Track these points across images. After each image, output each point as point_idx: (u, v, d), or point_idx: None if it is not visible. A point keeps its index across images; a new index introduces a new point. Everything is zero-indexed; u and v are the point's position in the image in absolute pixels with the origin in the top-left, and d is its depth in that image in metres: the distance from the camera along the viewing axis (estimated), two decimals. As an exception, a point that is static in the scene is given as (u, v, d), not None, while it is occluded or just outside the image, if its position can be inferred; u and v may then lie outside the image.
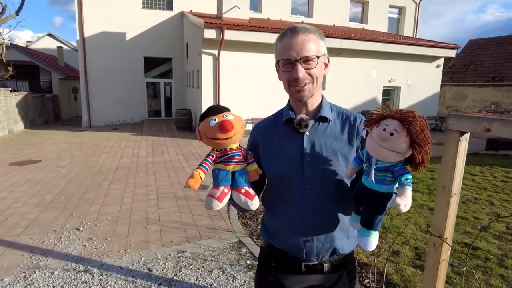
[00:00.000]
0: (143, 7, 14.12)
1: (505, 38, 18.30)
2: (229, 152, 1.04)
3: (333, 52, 11.65)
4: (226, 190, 1.03)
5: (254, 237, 3.76)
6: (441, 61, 14.25)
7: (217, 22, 9.83)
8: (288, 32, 1.12)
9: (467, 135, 1.41)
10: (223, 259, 3.27)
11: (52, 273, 2.98)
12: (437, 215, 1.66)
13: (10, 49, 16.43)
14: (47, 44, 24.12)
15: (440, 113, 16.44)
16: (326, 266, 1.20)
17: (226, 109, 1.07)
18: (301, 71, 1.08)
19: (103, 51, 13.75)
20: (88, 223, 4.09)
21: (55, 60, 20.90)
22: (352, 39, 11.44)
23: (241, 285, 2.85)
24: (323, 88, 12.12)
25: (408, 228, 3.95)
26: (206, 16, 11.31)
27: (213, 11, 12.91)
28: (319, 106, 1.21)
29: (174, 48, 14.82)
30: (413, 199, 4.76)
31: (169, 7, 14.41)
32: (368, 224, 1.04)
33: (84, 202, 4.87)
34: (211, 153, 1.04)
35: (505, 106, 16.04)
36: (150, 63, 14.91)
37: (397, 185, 0.95)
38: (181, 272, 3.02)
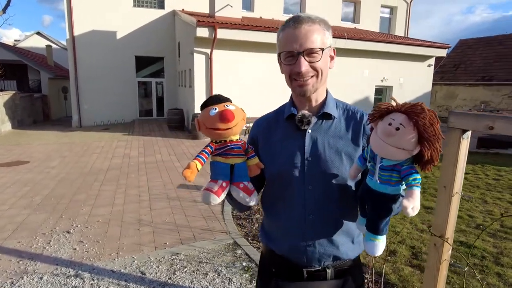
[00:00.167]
0: (134, 6, 13.94)
1: (494, 38, 18.59)
2: (229, 144, 0.98)
3: (326, 51, 11.63)
4: (224, 184, 0.98)
5: (249, 238, 3.70)
6: (432, 61, 14.37)
7: (210, 20, 9.75)
8: (290, 22, 1.04)
9: (469, 133, 1.37)
10: (218, 261, 3.20)
11: (41, 278, 2.88)
12: (438, 215, 1.62)
13: (-3, 48, 16.07)
14: (36, 42, 23.67)
15: (431, 112, 16.54)
16: (329, 272, 1.12)
17: (227, 99, 1.01)
18: (304, 65, 1.01)
19: (93, 50, 13.54)
20: (79, 226, 3.99)
21: (44, 59, 20.53)
22: (345, 38, 11.46)
23: (237, 288, 2.79)
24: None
25: (403, 227, 3.93)
26: (198, 15, 11.21)
27: (205, 10, 12.80)
28: (323, 102, 1.13)
29: (166, 47, 14.67)
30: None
31: (161, 5, 14.26)
32: (373, 228, 0.97)
33: (75, 203, 4.75)
34: (210, 145, 0.99)
35: (494, 105, 16.27)
36: (142, 62, 14.73)
37: (404, 186, 0.87)
38: (175, 275, 2.95)
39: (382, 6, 17.00)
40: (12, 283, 2.81)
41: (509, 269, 3.13)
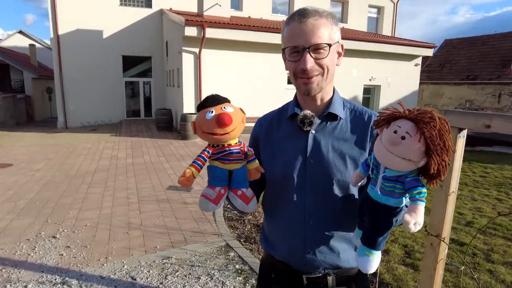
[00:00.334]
0: (121, 4, 13.70)
1: (478, 38, 18.99)
2: (227, 148, 0.92)
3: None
4: (222, 191, 0.92)
5: (242, 240, 3.65)
6: (419, 60, 14.58)
7: (198, 20, 9.66)
8: (296, 15, 0.97)
9: (465, 131, 1.36)
10: (210, 264, 3.14)
11: (25, 286, 2.76)
12: (434, 214, 1.61)
13: (-22, 47, 15.59)
14: (18, 42, 23.02)
15: (418, 111, 16.79)
16: (330, 279, 1.07)
17: (225, 100, 0.95)
18: (310, 61, 0.95)
19: (79, 49, 13.24)
20: (65, 230, 3.86)
21: (27, 58, 20.00)
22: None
23: (230, 291, 2.74)
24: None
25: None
26: (187, 14, 11.10)
27: (192, 9, 12.68)
28: (329, 101, 1.07)
29: (153, 47, 14.47)
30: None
31: (148, 4, 14.06)
32: (369, 242, 0.89)
33: (61, 207, 4.60)
34: (207, 149, 0.92)
35: (479, 103, 16.62)
36: (129, 62, 14.49)
37: (408, 199, 0.81)
38: (167, 280, 2.87)
39: (370, 6, 17.15)
40: (-5, 292, 2.69)
41: (500, 265, 3.17)
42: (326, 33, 0.96)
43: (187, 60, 10.18)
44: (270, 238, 1.17)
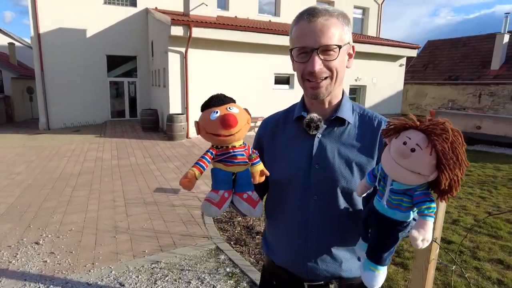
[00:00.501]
0: (105, 3, 13.42)
1: (459, 39, 19.48)
2: (231, 150, 0.89)
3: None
4: (226, 195, 0.89)
5: (232, 242, 3.61)
6: (403, 61, 14.85)
7: (185, 19, 9.55)
8: (305, 14, 0.92)
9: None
10: (201, 268, 3.09)
11: (8, 295, 2.66)
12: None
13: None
14: (-3, 40, 22.30)
15: (403, 111, 17.14)
16: (332, 287, 1.04)
17: (230, 100, 0.92)
18: (318, 63, 0.90)
19: (61, 48, 12.90)
20: (49, 236, 3.74)
21: (6, 57, 19.36)
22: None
23: (221, 295, 2.70)
24: (291, 87, 12.20)
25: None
26: (173, 13, 10.96)
27: (178, 8, 12.54)
28: (338, 105, 1.02)
29: (139, 46, 14.24)
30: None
31: (133, 3, 13.82)
32: (374, 257, 0.85)
33: (44, 211, 4.46)
34: (210, 150, 0.89)
35: (460, 103, 17.05)
36: (113, 62, 14.20)
37: (415, 213, 0.77)
38: (157, 285, 2.81)
39: (355, 7, 17.33)
40: (-25, 302, 2.58)
41: (486, 263, 3.24)
42: (337, 33, 0.91)
43: (173, 60, 10.07)
44: (271, 242, 1.14)
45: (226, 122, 0.84)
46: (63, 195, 5.16)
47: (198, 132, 0.89)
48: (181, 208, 4.63)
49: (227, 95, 0.94)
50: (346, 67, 0.99)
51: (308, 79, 0.95)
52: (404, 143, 0.70)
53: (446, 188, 0.69)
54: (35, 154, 8.33)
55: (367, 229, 0.89)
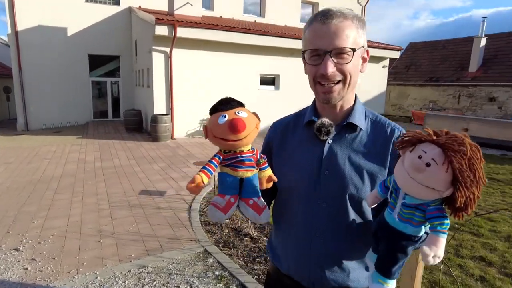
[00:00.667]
0: (86, 1, 13.09)
1: (439, 42, 20.04)
2: (239, 155, 0.88)
3: (287, 52, 11.79)
4: (232, 200, 0.88)
5: (220, 245, 3.57)
6: (386, 62, 15.13)
7: (169, 19, 9.44)
8: (319, 16, 0.89)
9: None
10: (189, 271, 3.05)
11: (-13, 305, 2.55)
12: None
13: None
14: (-29, 38, 21.44)
15: (386, 112, 17.47)
16: None
17: (239, 104, 0.90)
18: (331, 66, 0.87)
19: (40, 47, 12.51)
20: (30, 241, 3.61)
21: (-19, 56, 18.65)
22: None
23: (211, 299, 2.66)
24: (277, 88, 12.24)
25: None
26: (157, 13, 10.80)
27: (162, 7, 12.38)
28: (350, 110, 0.99)
29: (122, 45, 13.96)
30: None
31: (116, 1, 13.54)
32: (383, 270, 0.83)
33: (24, 216, 4.30)
34: (218, 154, 0.88)
35: (441, 104, 17.52)
36: (96, 61, 13.87)
37: (427, 228, 0.75)
38: (144, 290, 2.75)
39: (339, 8, 17.54)
40: (-49, 313, 2.46)
41: (469, 260, 3.32)
42: (351, 36, 0.88)
43: (158, 60, 9.93)
44: (277, 249, 1.12)
45: (234, 126, 0.82)
46: (44, 198, 4.99)
47: (206, 136, 0.88)
48: (167, 210, 4.56)
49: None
50: (360, 71, 0.96)
51: (320, 81, 0.92)
52: (419, 157, 0.68)
53: (462, 206, 0.67)
54: (13, 155, 8.04)
55: (377, 241, 0.88)
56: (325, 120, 0.97)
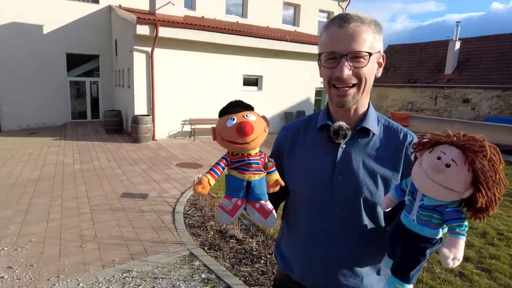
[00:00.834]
0: (63, -2, 12.72)
1: (416, 45, 20.64)
2: (247, 158, 0.88)
3: (270, 53, 11.85)
4: (239, 203, 0.89)
5: (206, 248, 3.55)
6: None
7: (151, 18, 9.29)
8: (336, 20, 0.90)
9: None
10: (175, 275, 3.01)
11: (-39, 316, 2.43)
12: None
13: None
14: None
15: (366, 112, 17.79)
16: None
17: (248, 107, 0.90)
18: (346, 70, 0.87)
19: (14, 45, 12.03)
20: (6, 248, 3.46)
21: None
22: (287, 40, 11.74)
23: (197, 303, 2.64)
24: (260, 88, 12.27)
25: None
26: (138, 12, 10.61)
27: (143, 6, 12.18)
28: (364, 115, 0.99)
29: (101, 44, 13.63)
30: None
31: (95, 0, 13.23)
32: (400, 274, 0.81)
33: (-1, 222, 4.13)
34: (225, 157, 0.89)
35: (419, 105, 18.03)
36: (74, 60, 13.47)
37: (445, 229, 0.75)
38: (128, 296, 2.70)
39: (320, 10, 17.76)
40: None
41: (448, 257, 3.44)
42: (368, 40, 0.89)
43: (139, 60, 9.76)
44: (287, 254, 1.09)
45: (242, 130, 0.83)
46: (20, 203, 4.81)
47: (214, 138, 0.88)
48: (151, 213, 4.49)
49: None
50: (375, 76, 0.97)
51: (335, 84, 0.92)
52: (439, 158, 0.68)
53: (483, 207, 0.67)
54: (-14, 159, 7.71)
55: (394, 245, 0.86)
56: (343, 123, 0.96)
